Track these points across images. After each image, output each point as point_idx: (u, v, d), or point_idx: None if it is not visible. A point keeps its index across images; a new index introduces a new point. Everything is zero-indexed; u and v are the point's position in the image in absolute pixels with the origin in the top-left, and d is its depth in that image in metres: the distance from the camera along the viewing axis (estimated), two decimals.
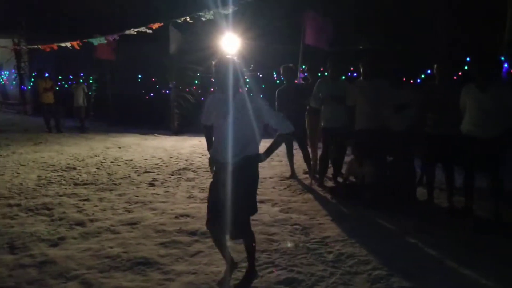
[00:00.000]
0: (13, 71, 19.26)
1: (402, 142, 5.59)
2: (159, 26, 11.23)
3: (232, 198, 3.16)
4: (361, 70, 6.00)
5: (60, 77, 17.06)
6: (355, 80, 6.37)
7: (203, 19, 10.12)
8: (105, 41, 12.67)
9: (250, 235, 3.40)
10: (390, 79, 5.71)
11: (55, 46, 11.78)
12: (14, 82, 19.50)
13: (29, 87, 18.72)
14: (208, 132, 3.55)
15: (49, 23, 16.16)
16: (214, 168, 3.41)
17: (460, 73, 8.79)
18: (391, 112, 5.56)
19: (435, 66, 5.40)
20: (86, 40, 13.08)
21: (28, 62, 18.69)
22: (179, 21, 11.10)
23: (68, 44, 11.28)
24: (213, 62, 3.29)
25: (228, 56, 3.37)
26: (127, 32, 11.92)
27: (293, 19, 9.21)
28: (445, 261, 3.91)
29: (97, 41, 12.64)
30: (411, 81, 8.48)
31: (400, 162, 5.74)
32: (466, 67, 8.61)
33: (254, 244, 3.43)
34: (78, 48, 11.80)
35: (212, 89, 12.68)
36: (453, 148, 5.24)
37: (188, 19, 10.66)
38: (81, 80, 13.87)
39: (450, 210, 5.25)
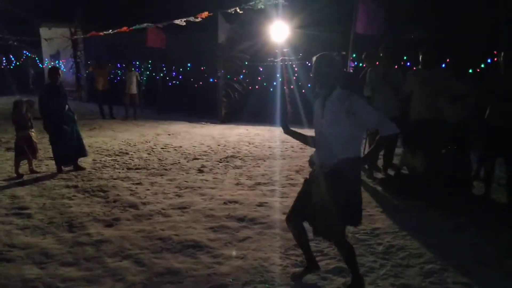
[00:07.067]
0: (69, 59, 20.11)
1: (458, 134, 5.36)
2: (207, 16, 11.33)
3: (327, 203, 2.95)
4: (420, 59, 5.78)
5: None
6: (411, 69, 6.14)
7: (253, 8, 10.10)
8: (153, 26, 12.98)
9: (346, 245, 3.10)
10: (450, 68, 5.48)
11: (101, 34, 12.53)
12: (70, 70, 20.36)
13: (85, 75, 19.51)
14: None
15: (104, 14, 16.73)
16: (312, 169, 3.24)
17: None
18: (447, 103, 5.33)
19: (501, 54, 5.09)
20: (132, 29, 13.48)
21: (84, 51, 19.50)
22: (229, 11, 11.14)
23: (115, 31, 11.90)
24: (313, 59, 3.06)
25: (326, 53, 3.07)
26: (176, 21, 12.10)
27: (344, 5, 8.99)
28: (504, 258, 3.73)
29: (144, 27, 13.01)
30: (470, 71, 8.04)
31: (455, 154, 5.51)
32: None
33: (352, 251, 3.11)
34: (127, 30, 12.30)
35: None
36: None
37: (238, 10, 10.68)
38: (133, 69, 14.27)
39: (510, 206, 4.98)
